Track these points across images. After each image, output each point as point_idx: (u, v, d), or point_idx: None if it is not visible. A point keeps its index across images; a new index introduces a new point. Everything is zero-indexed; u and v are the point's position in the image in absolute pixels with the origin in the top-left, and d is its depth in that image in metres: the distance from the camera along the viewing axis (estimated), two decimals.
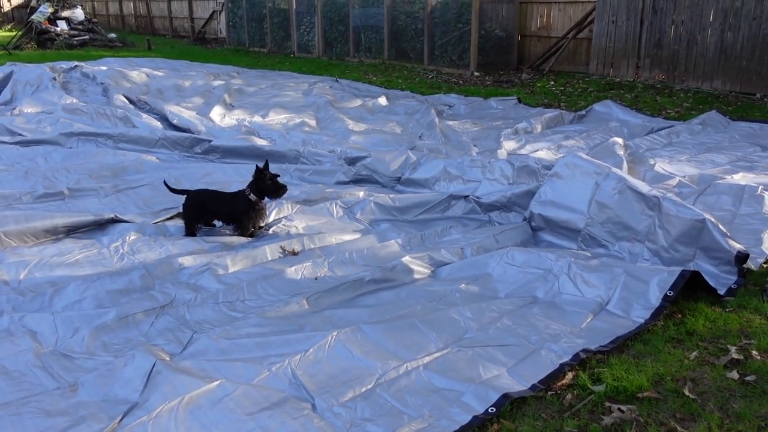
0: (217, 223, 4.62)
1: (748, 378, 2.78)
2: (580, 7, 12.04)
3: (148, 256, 4.08)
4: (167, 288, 3.65)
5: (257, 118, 8.17)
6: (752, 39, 9.73)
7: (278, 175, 4.56)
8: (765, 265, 3.91)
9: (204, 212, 4.51)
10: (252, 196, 4.43)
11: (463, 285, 3.67)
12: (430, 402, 2.63)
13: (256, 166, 4.51)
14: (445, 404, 2.61)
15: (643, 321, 3.23)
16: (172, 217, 4.76)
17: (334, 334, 3.02)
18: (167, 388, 2.65)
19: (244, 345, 3.04)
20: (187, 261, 3.96)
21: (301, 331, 3.15)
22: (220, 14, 20.94)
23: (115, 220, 4.55)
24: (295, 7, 16.30)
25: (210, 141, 6.67)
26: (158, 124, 7.80)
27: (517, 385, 2.70)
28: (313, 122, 8.17)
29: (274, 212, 4.82)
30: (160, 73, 11.97)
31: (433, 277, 3.87)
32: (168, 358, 2.92)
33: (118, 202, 5.17)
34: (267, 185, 4.45)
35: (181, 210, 4.78)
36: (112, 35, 21.11)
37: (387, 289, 3.69)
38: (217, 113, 8.40)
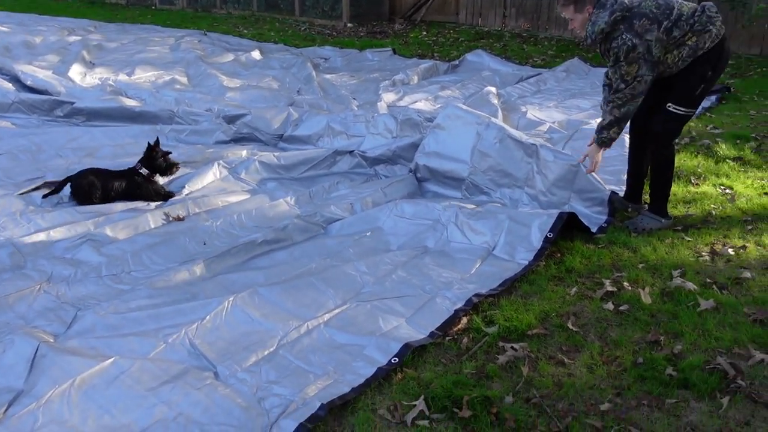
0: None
1: (621, 308, 3.03)
2: None
3: (15, 232, 3.75)
4: (41, 265, 3.39)
5: (122, 77, 7.64)
6: None
7: (170, 152, 4.45)
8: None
9: (96, 191, 4.22)
10: (144, 170, 4.31)
11: (356, 239, 3.70)
12: (333, 359, 2.66)
13: (148, 143, 4.37)
14: (348, 359, 2.66)
15: (527, 263, 3.43)
16: (38, 187, 4.40)
17: (231, 299, 2.96)
18: (55, 372, 2.50)
19: (135, 318, 2.91)
20: (60, 233, 3.70)
21: (195, 299, 3.06)
22: None
23: None
24: None
25: (72, 103, 6.18)
26: (9, 85, 7.08)
27: (416, 334, 2.80)
28: (184, 79, 7.78)
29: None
30: (4, 29, 10.86)
31: (325, 234, 3.87)
32: (52, 340, 2.74)
33: None
34: (158, 163, 4.35)
35: (47, 179, 4.45)
36: None
37: (280, 249, 3.65)
38: (76, 72, 7.78)
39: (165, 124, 5.84)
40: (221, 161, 4.76)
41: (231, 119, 5.83)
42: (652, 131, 3.85)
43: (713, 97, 6.63)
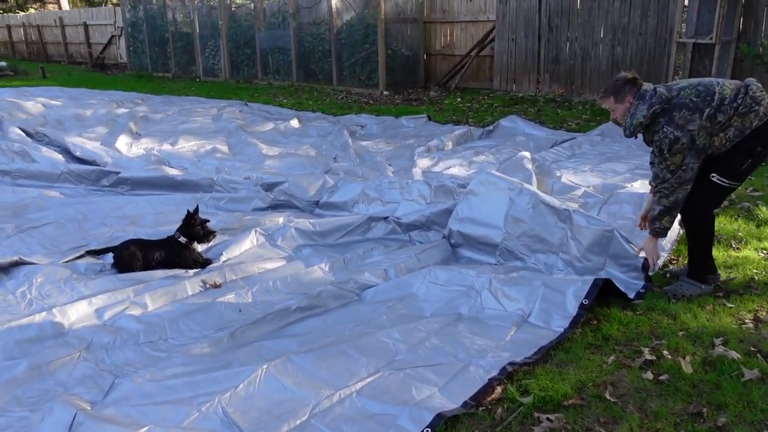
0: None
1: (661, 377, 2.95)
2: (481, 26, 12.48)
3: (59, 299, 3.87)
4: (82, 332, 3.48)
5: (166, 147, 7.96)
6: (639, 53, 10.39)
7: (208, 220, 4.57)
8: (662, 269, 4.18)
9: (136, 262, 4.37)
10: (182, 239, 4.44)
11: (389, 306, 3.71)
12: (366, 428, 2.63)
13: (187, 211, 4.51)
14: (380, 429, 2.62)
15: (562, 330, 3.37)
16: (81, 256, 4.55)
17: (264, 367, 2.97)
18: None
19: (171, 386, 2.94)
20: (101, 301, 3.79)
21: (229, 366, 3.08)
22: (119, 39, 20.31)
23: (19, 263, 4.29)
24: (198, 30, 16.04)
25: (118, 173, 6.44)
26: (60, 157, 7.44)
27: (449, 404, 2.75)
28: (225, 148, 8.05)
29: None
30: (57, 103, 11.46)
31: (359, 301, 3.88)
32: (89, 407, 2.78)
33: (21, 243, 4.88)
34: (196, 231, 4.47)
35: (91, 248, 4.61)
36: (2, 63, 20.03)
37: (314, 316, 3.67)
38: (123, 143, 8.13)
39: (205, 192, 6.03)
40: (258, 228, 4.86)
41: (269, 187, 5.98)
42: (693, 201, 3.77)
43: None
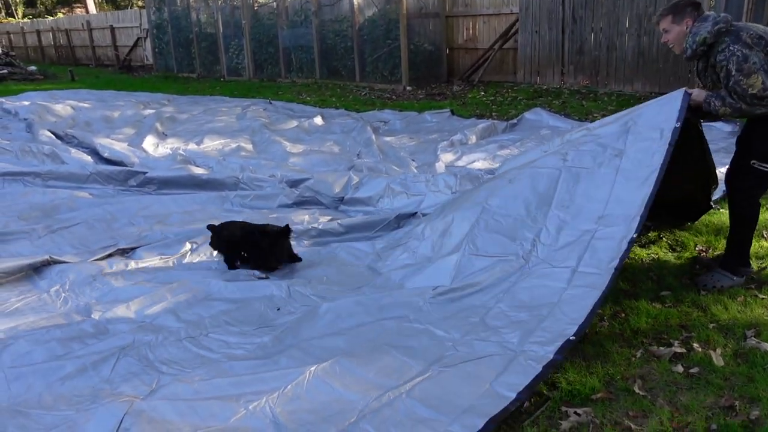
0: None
1: (692, 370, 2.91)
2: (503, 19, 12.38)
3: (93, 296, 3.94)
4: (121, 329, 3.52)
5: (192, 146, 8.04)
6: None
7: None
8: (690, 255, 4.11)
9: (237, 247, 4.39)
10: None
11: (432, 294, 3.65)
12: None
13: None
14: None
15: (614, 270, 3.23)
16: (111, 254, 4.62)
17: (312, 369, 2.91)
18: None
19: (217, 384, 2.92)
20: (138, 302, 3.82)
21: (276, 366, 3.06)
22: (145, 41, 20.58)
23: (51, 262, 4.38)
24: (222, 30, 16.18)
25: (145, 173, 6.52)
26: (88, 158, 7.56)
27: (501, 402, 2.65)
28: (249, 146, 8.11)
29: None
30: (86, 105, 11.64)
31: (400, 288, 3.88)
32: (134, 404, 2.80)
33: (52, 243, 4.97)
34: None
35: (120, 246, 4.67)
36: (32, 67, 20.42)
37: (359, 308, 3.60)
38: (150, 143, 8.22)
39: (230, 190, 6.08)
40: (287, 224, 4.88)
41: (293, 183, 6.02)
42: (734, 188, 3.71)
43: None
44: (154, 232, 5.00)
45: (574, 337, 2.95)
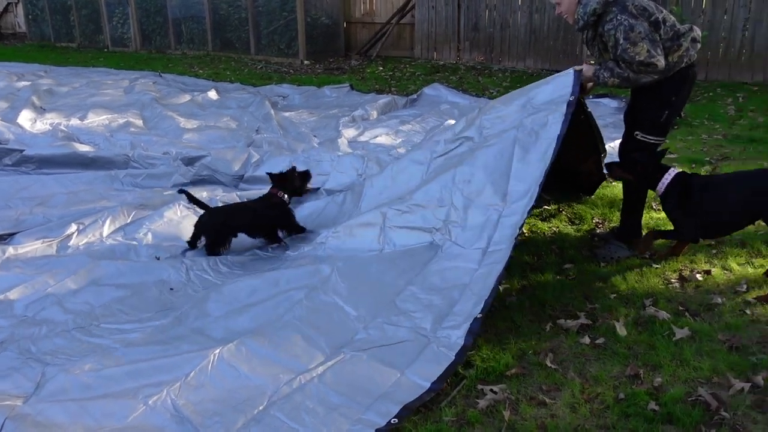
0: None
1: (598, 341, 2.99)
2: None
3: None
4: None
5: (75, 121, 7.44)
6: (557, 21, 10.51)
7: (294, 166, 4.29)
8: (590, 233, 4.25)
9: (229, 228, 4.06)
10: (285, 197, 4.10)
11: (342, 266, 3.55)
12: (329, 421, 2.45)
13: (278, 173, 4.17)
14: (345, 423, 2.44)
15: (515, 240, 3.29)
16: None
17: (216, 352, 2.75)
18: None
19: (110, 375, 2.69)
20: (17, 291, 3.49)
21: (176, 351, 2.86)
22: (16, 6, 18.90)
23: None
24: None
25: (22, 150, 5.96)
26: None
27: (416, 389, 2.61)
28: (139, 122, 7.62)
29: (108, 223, 4.40)
30: None
31: (314, 259, 3.75)
32: (20, 403, 2.53)
33: None
34: (294, 180, 4.15)
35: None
36: None
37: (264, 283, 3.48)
38: (26, 118, 7.53)
39: (120, 169, 5.68)
40: (182, 202, 4.62)
41: (189, 161, 5.71)
42: (621, 158, 3.88)
43: None
44: (35, 216, 4.60)
45: (480, 315, 2.95)
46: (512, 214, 3.45)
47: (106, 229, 4.33)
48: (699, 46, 3.64)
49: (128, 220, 4.45)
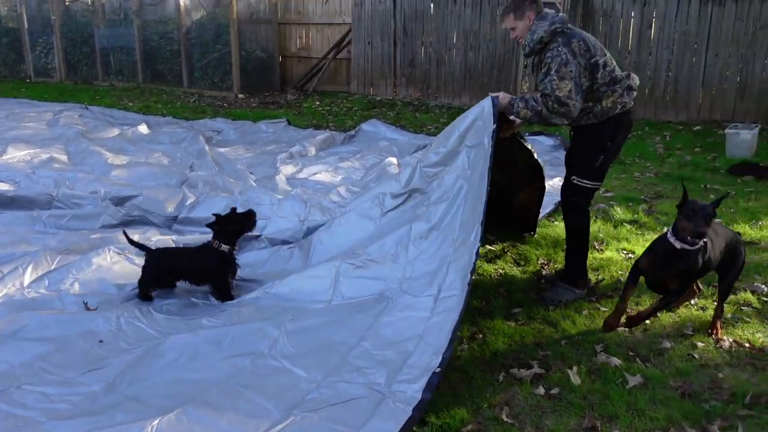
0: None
1: (552, 392, 2.92)
2: (337, 29, 12.34)
3: None
4: None
5: None
6: (490, 58, 10.75)
7: (235, 207, 4.02)
8: (537, 275, 4.23)
9: (168, 273, 3.82)
10: (223, 247, 3.79)
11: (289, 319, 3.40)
12: None
13: (214, 216, 3.91)
14: None
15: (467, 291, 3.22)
16: None
17: (155, 423, 2.49)
18: None
19: None
20: None
21: (110, 422, 2.58)
22: None
23: None
24: (27, 26, 14.51)
25: None
26: None
27: None
28: (64, 157, 7.23)
29: (29, 270, 4.07)
30: None
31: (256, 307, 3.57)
32: None
33: None
34: (235, 224, 3.87)
35: None
36: None
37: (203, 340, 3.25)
38: None
39: (42, 209, 5.32)
40: (112, 246, 4.34)
41: (119, 201, 5.41)
42: (565, 203, 3.90)
43: None
44: None
45: (439, 369, 2.84)
46: (460, 257, 3.39)
47: (27, 278, 3.99)
48: (635, 93, 3.71)
49: (52, 267, 4.12)
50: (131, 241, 3.97)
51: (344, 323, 3.34)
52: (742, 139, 7.14)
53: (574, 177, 3.79)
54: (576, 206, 3.87)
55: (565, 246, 4.06)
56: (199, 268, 3.79)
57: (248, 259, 4.32)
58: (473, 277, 3.24)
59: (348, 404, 2.71)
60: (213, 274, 3.79)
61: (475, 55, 10.93)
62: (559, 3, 9.48)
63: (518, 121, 3.84)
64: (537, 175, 4.47)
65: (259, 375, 2.96)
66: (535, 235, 4.85)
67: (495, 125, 3.54)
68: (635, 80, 3.70)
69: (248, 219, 3.93)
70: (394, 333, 3.20)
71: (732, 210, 5.37)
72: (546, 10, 3.67)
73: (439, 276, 3.39)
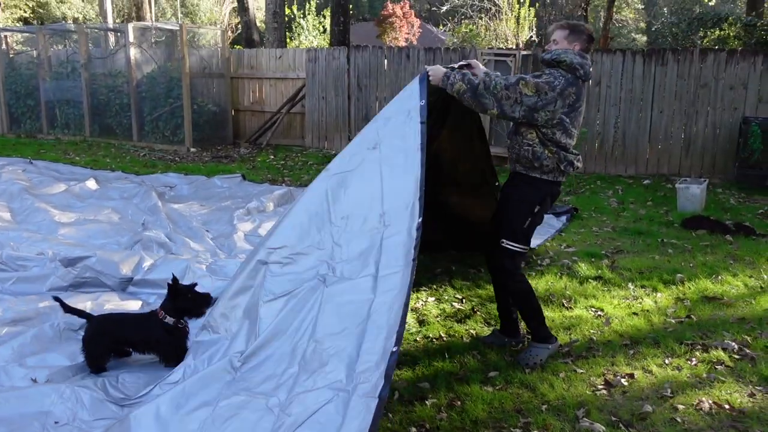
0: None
1: None
2: (290, 84, 12.37)
3: None
4: None
5: None
6: None
7: (195, 284, 3.71)
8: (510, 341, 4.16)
9: (114, 341, 3.56)
10: (168, 319, 3.51)
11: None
12: None
13: (168, 284, 3.61)
14: None
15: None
16: None
17: None
18: None
19: None
20: None
21: None
22: None
23: None
24: None
25: None
26: None
27: None
28: (6, 215, 6.88)
29: None
30: None
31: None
32: None
33: None
34: (187, 301, 3.58)
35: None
36: None
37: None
38: None
39: None
40: (60, 318, 4.07)
41: (70, 262, 5.12)
42: (497, 269, 3.83)
43: (564, 218, 6.97)
44: None
45: (396, 348, 2.70)
46: (396, 234, 3.16)
47: None
48: (571, 171, 3.71)
49: None
50: (67, 308, 3.66)
51: (287, 331, 3.16)
52: (692, 193, 7.35)
53: (504, 240, 3.71)
54: (512, 273, 3.77)
55: (519, 310, 3.96)
56: (144, 339, 3.57)
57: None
58: (416, 253, 3.03)
59: (317, 416, 2.61)
60: (158, 346, 3.57)
61: None
62: (511, 60, 9.74)
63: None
64: (491, 183, 4.52)
65: (225, 419, 2.79)
66: None
67: (423, 101, 3.43)
68: (579, 163, 3.70)
69: (203, 303, 3.64)
70: (339, 320, 3.01)
71: (691, 264, 5.46)
72: (586, 56, 3.66)
73: (373, 253, 3.17)
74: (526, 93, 3.44)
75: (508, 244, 3.69)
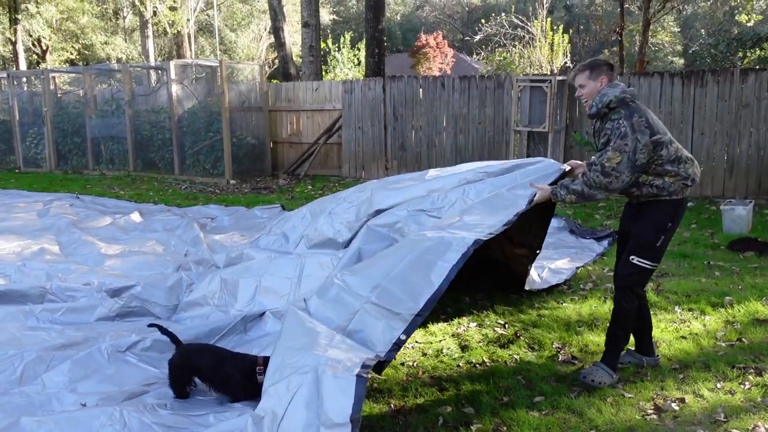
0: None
1: None
2: (327, 115, 12.55)
3: None
4: None
5: None
6: (480, 140, 10.95)
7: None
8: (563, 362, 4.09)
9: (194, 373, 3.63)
10: (261, 378, 3.35)
11: None
12: None
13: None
14: None
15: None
16: None
17: None
18: None
19: None
20: None
21: None
22: None
23: None
24: (18, 117, 14.64)
25: None
26: None
27: None
28: (55, 248, 7.08)
29: (21, 369, 3.87)
30: None
31: None
32: None
33: None
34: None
35: None
36: None
37: None
38: None
39: (35, 303, 5.13)
40: (107, 344, 4.14)
41: (115, 292, 5.24)
42: (618, 282, 3.78)
43: (605, 242, 6.87)
44: None
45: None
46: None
47: (22, 377, 3.79)
48: (697, 181, 3.69)
49: (48, 365, 3.93)
50: (164, 331, 3.86)
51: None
52: (738, 215, 7.18)
53: (633, 257, 3.68)
54: (633, 291, 3.72)
55: (609, 326, 3.89)
56: (223, 380, 3.55)
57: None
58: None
59: None
60: (236, 391, 3.53)
61: (465, 137, 11.12)
62: (546, 86, 9.74)
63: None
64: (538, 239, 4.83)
65: None
66: (545, 318, 4.73)
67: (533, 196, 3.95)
68: (697, 170, 3.68)
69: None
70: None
71: (740, 287, 5.31)
72: (618, 80, 3.71)
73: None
74: (616, 164, 3.49)
75: (638, 260, 3.66)
